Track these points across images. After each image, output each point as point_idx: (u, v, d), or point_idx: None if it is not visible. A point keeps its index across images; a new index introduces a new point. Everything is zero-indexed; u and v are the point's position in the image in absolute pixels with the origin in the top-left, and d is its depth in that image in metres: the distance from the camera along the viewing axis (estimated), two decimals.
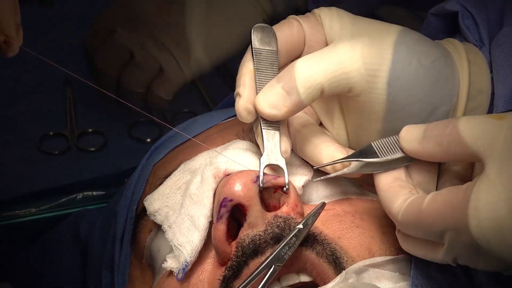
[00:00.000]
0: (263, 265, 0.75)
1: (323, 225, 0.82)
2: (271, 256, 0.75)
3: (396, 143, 0.78)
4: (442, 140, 0.72)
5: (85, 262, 1.11)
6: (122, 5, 1.40)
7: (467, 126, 0.70)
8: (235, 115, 0.96)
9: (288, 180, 0.80)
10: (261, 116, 0.81)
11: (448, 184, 0.77)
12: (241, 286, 0.74)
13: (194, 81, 1.48)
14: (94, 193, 1.25)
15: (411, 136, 0.76)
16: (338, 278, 0.76)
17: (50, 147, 1.37)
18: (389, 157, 0.78)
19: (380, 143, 0.79)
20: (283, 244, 0.75)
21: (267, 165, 0.80)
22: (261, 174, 0.79)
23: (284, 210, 0.79)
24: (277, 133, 0.81)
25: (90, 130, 1.40)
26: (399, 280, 0.78)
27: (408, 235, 0.76)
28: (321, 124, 0.89)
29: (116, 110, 1.39)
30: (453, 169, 0.79)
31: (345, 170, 0.80)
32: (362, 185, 0.88)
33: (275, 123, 0.82)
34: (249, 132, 0.90)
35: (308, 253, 0.78)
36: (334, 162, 0.81)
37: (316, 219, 0.78)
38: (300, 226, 0.76)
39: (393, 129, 0.80)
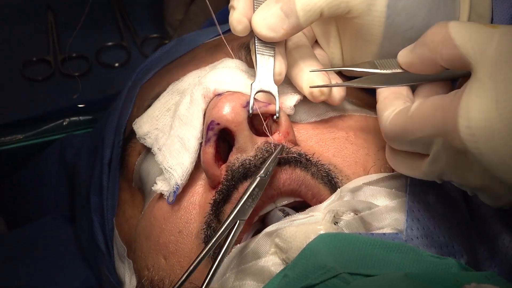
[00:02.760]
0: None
1: (317, 144, 0.80)
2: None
3: (396, 62, 0.77)
4: (431, 40, 0.70)
5: (72, 188, 1.10)
6: None
7: (458, 27, 0.68)
8: (224, 33, 0.92)
9: (279, 108, 0.78)
10: (256, 36, 0.79)
11: None
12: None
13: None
14: (81, 118, 1.24)
15: (405, 49, 0.75)
16: (333, 197, 0.75)
17: (33, 73, 1.34)
18: (388, 71, 0.77)
19: (381, 61, 0.78)
20: (245, 197, 0.73)
21: (258, 91, 0.78)
22: (252, 100, 0.77)
23: (276, 137, 0.78)
24: (271, 58, 0.79)
25: (74, 55, 1.37)
26: (395, 197, 0.77)
27: (394, 150, 0.74)
28: (317, 42, 0.87)
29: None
30: None
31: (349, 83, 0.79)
32: (356, 102, 0.86)
33: (270, 44, 0.79)
34: (238, 50, 0.88)
35: (303, 175, 0.77)
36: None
37: (276, 164, 0.76)
38: (262, 175, 0.75)
39: (389, 53, 0.78)
